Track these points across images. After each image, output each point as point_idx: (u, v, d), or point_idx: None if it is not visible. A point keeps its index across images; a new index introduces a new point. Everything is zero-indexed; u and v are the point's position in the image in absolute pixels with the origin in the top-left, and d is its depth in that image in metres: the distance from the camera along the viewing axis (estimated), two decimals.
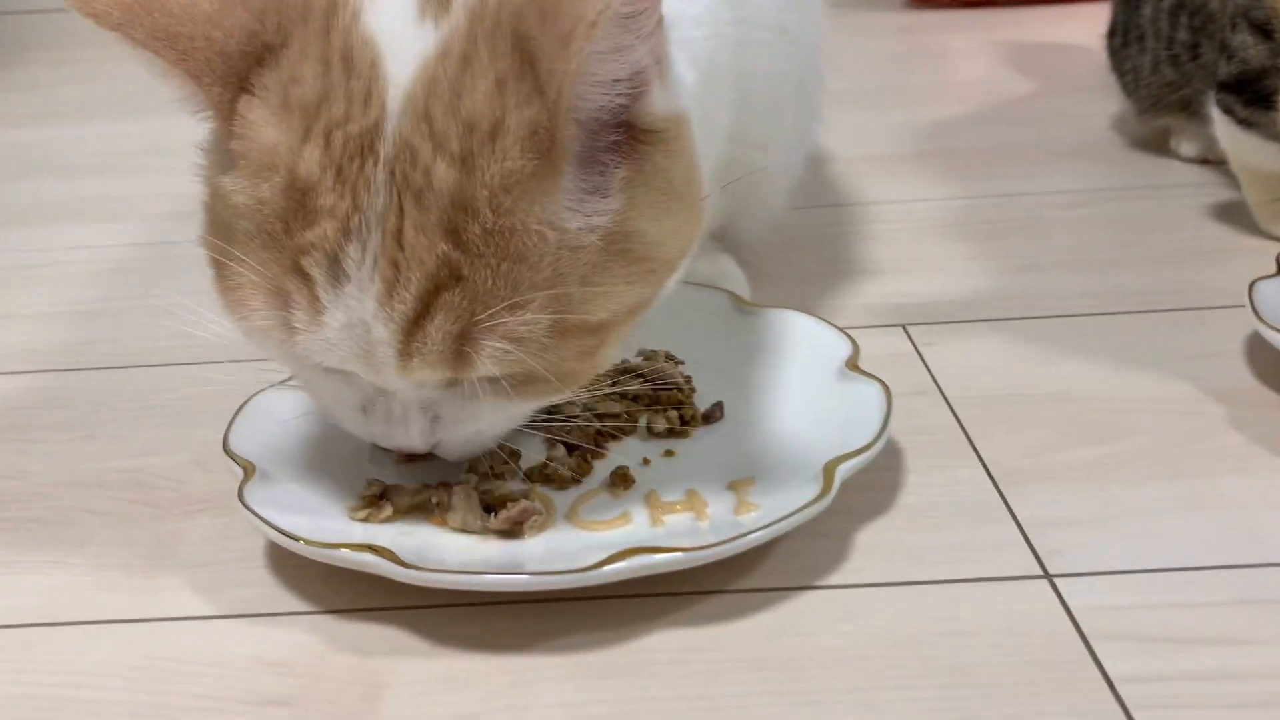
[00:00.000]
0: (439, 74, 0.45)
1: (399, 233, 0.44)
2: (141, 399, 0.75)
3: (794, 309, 0.71)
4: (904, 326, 0.78)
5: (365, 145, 0.45)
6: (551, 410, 0.61)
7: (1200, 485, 0.59)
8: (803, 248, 0.94)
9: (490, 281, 0.45)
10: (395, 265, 0.45)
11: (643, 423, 0.64)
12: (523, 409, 0.53)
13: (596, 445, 0.62)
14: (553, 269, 0.46)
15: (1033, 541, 0.55)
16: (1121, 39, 1.12)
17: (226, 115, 0.47)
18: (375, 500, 0.56)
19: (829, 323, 0.69)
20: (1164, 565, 0.53)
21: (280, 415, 0.62)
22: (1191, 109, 1.02)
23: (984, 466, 0.62)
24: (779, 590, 0.53)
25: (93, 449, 0.69)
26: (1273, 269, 0.73)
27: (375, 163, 0.45)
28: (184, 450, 0.68)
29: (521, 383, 0.48)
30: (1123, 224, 0.96)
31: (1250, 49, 0.88)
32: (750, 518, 0.54)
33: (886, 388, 0.60)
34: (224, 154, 0.48)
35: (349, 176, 0.45)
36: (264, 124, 0.46)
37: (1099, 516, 0.57)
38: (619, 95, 0.47)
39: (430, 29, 0.46)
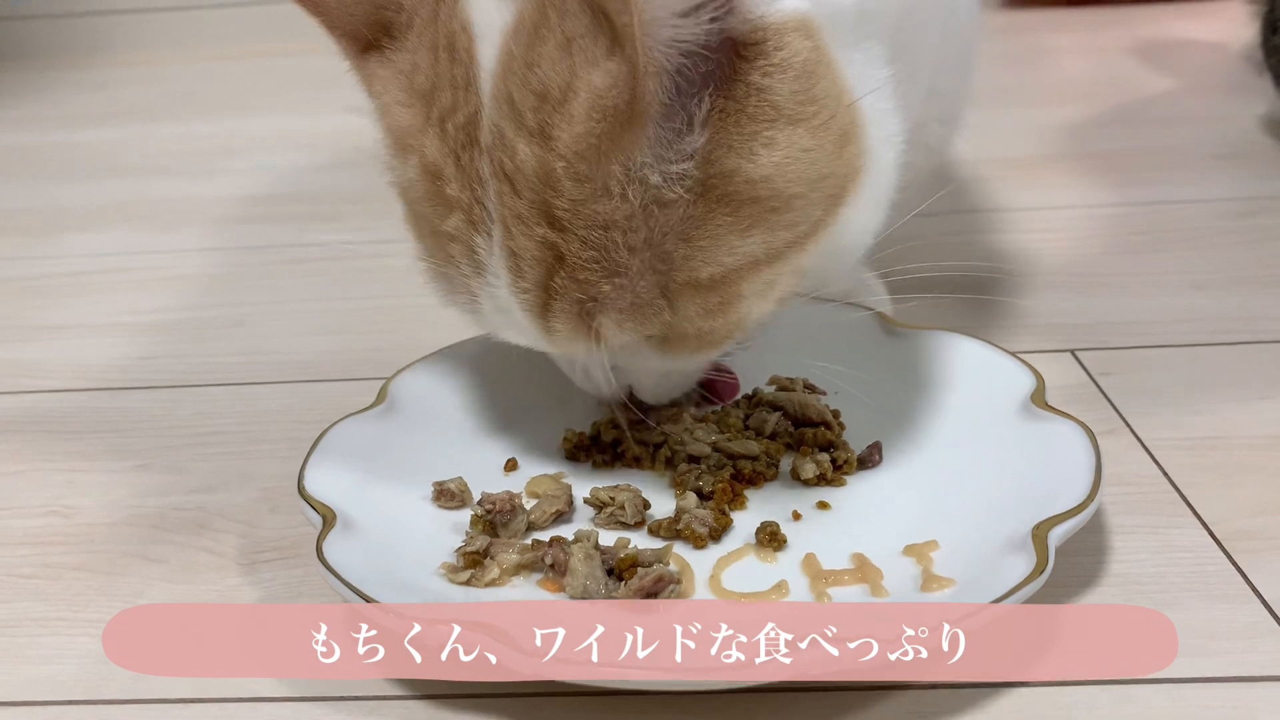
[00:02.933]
0: (513, 50, 0.42)
1: (507, 221, 0.43)
2: (203, 423, 0.66)
3: (946, 330, 0.61)
4: (1073, 352, 0.68)
5: (471, 135, 0.44)
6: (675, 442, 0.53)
7: None
8: (937, 258, 0.83)
9: (584, 255, 0.43)
10: (514, 254, 0.44)
11: (785, 466, 0.54)
12: (692, 359, 0.49)
13: (732, 492, 0.52)
14: (645, 229, 0.42)
15: None
16: None
17: (358, 66, 0.48)
18: (478, 558, 0.47)
19: (1001, 348, 0.58)
20: None
21: (363, 449, 0.53)
22: None
23: (1205, 528, 0.51)
24: (977, 687, 0.43)
25: (148, 481, 0.60)
26: None
27: (480, 153, 0.43)
28: (251, 485, 0.59)
29: (663, 342, 0.46)
30: None
31: None
32: (944, 597, 0.43)
33: (1089, 430, 0.50)
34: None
35: (465, 166, 0.44)
36: (397, 105, 0.46)
37: None
38: (708, 19, 0.40)
39: (509, 3, 0.43)
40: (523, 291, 0.44)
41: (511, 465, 0.55)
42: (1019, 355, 0.57)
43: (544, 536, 0.50)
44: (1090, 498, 0.45)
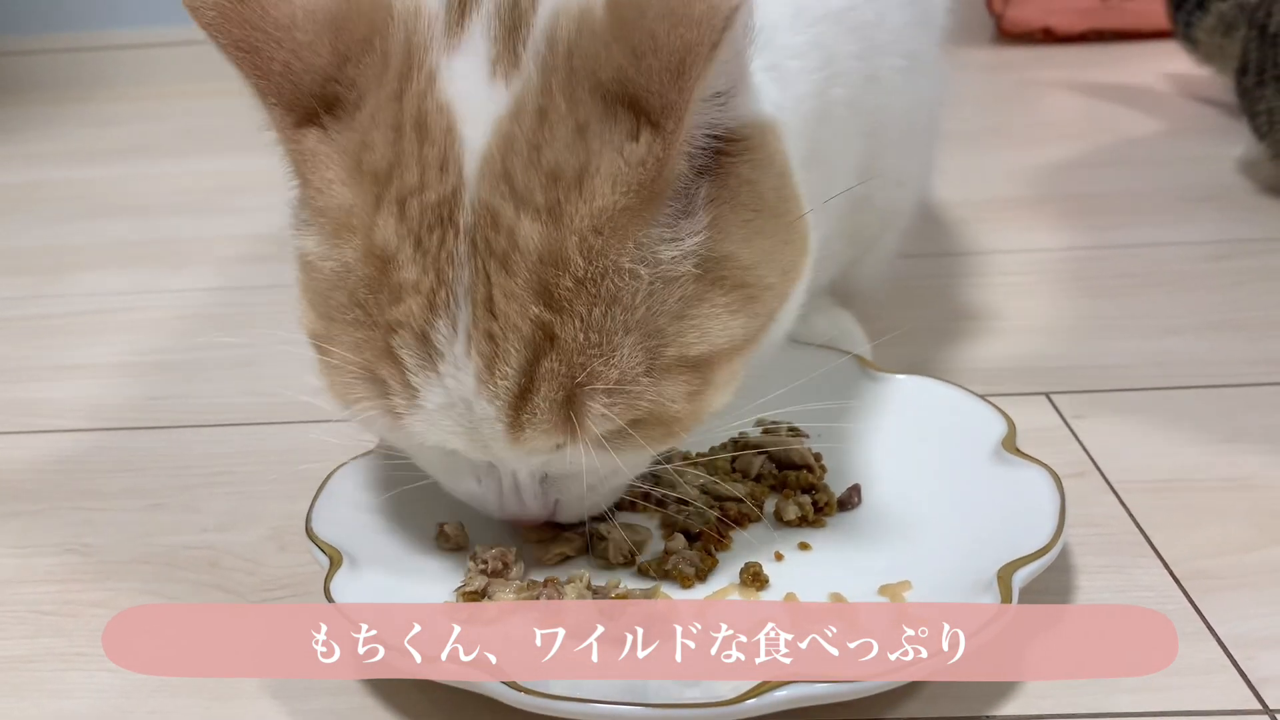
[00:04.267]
0: (514, 132, 0.43)
1: (490, 302, 0.43)
2: (214, 463, 0.69)
3: (924, 374, 0.64)
4: (1048, 395, 0.71)
5: (444, 215, 0.43)
6: (665, 486, 0.55)
7: None
8: (918, 302, 0.86)
9: (583, 336, 0.43)
10: (491, 338, 0.43)
11: (769, 508, 0.57)
12: (637, 458, 0.49)
13: (719, 534, 0.55)
14: (646, 307, 0.44)
15: (1242, 666, 0.47)
16: (1256, 78, 1.04)
17: (290, 140, 0.45)
18: (476, 598, 0.50)
19: (975, 393, 0.61)
20: None
21: (367, 491, 0.56)
22: None
23: (1166, 567, 0.54)
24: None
25: (162, 521, 0.63)
26: None
27: (456, 234, 0.43)
28: (260, 524, 0.62)
29: (634, 426, 0.45)
30: (1270, 280, 0.87)
31: None
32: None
33: (1056, 476, 0.53)
34: (300, 208, 0.47)
35: (429, 249, 0.43)
36: (339, 184, 0.45)
37: None
38: (715, 108, 0.44)
39: (502, 88, 0.44)
40: (500, 378, 0.43)
41: None
42: (993, 400, 0.60)
43: (539, 576, 0.52)
44: (1053, 542, 0.48)
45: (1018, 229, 1.01)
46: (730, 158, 0.45)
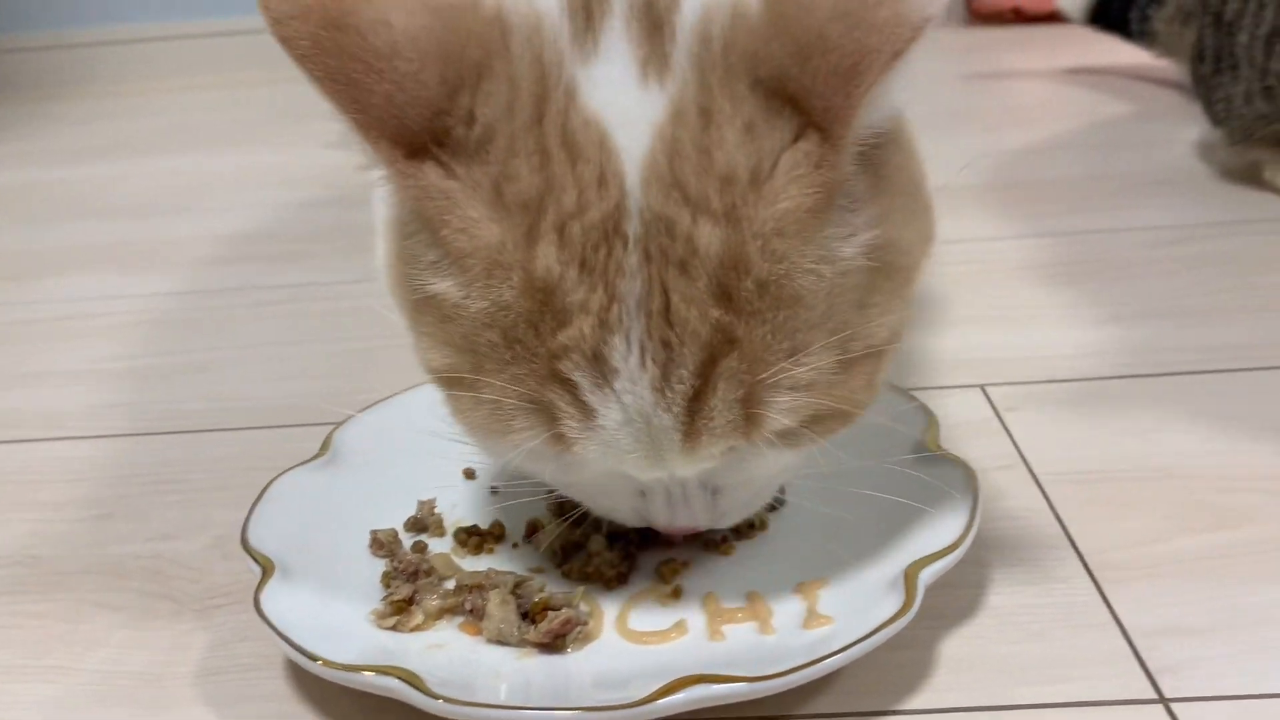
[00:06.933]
0: (679, 135, 0.42)
1: (666, 310, 0.42)
2: (164, 471, 0.70)
3: None
4: (983, 388, 0.72)
5: (609, 230, 0.42)
6: None
7: None
8: None
9: (769, 336, 0.42)
10: (666, 345, 0.42)
11: None
12: (807, 454, 0.48)
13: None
14: (828, 303, 0.43)
15: (1142, 656, 0.49)
16: (1212, 66, 1.04)
17: (408, 174, 0.42)
18: (404, 605, 0.51)
19: (902, 390, 0.62)
20: None
21: (305, 499, 0.58)
22: None
23: (1081, 559, 0.55)
24: (854, 715, 0.47)
25: (110, 530, 0.64)
26: None
27: (625, 246, 0.42)
28: (205, 533, 0.63)
29: (809, 423, 0.44)
30: (1218, 265, 0.89)
31: None
32: (822, 634, 0.47)
33: (972, 473, 0.54)
34: (423, 249, 0.44)
35: (596, 267, 0.41)
36: (484, 221, 0.42)
37: (1216, 624, 0.50)
38: (879, 108, 0.43)
39: (655, 91, 0.43)
40: (677, 382, 0.42)
41: (470, 474, 0.62)
42: (926, 393, 0.61)
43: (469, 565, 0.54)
44: (959, 541, 0.49)
45: (964, 217, 1.02)
46: (881, 148, 0.44)
